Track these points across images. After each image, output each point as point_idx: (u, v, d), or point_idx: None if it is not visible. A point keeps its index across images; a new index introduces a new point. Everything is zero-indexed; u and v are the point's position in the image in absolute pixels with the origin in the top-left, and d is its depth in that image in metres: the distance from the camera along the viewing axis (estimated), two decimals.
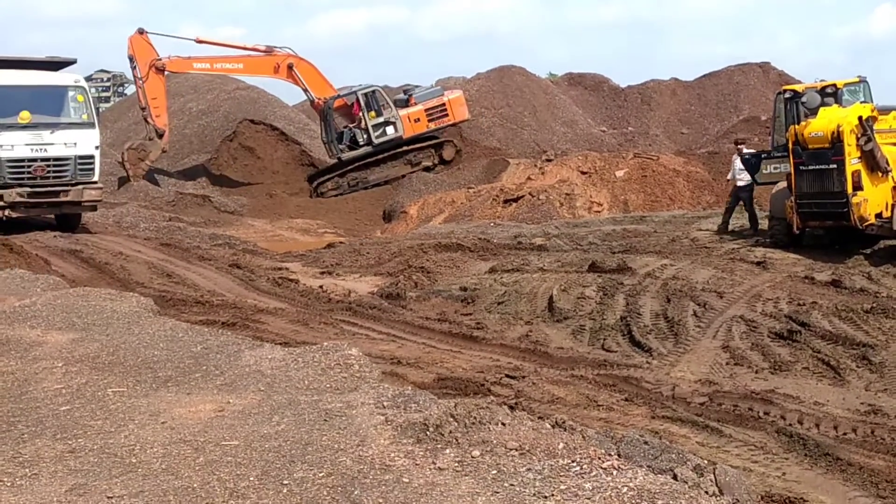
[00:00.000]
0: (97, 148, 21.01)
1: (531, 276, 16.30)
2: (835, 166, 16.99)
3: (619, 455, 5.92)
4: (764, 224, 20.32)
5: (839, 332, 12.59)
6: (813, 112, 18.57)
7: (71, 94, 20.88)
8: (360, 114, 35.60)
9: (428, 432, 6.12)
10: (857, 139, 16.91)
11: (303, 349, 8.71)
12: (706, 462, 6.10)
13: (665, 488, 5.17)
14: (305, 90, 35.89)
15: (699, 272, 16.14)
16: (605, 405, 9.94)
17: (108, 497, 5.37)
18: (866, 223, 17.05)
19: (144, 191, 33.18)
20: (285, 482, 5.49)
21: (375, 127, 35.53)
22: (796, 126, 17.94)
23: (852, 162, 16.92)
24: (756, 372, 11.29)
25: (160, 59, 34.12)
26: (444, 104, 36.76)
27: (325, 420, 6.54)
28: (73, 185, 20.46)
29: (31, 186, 20.13)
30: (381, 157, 35.74)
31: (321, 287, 16.40)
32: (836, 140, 16.87)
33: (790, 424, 9.43)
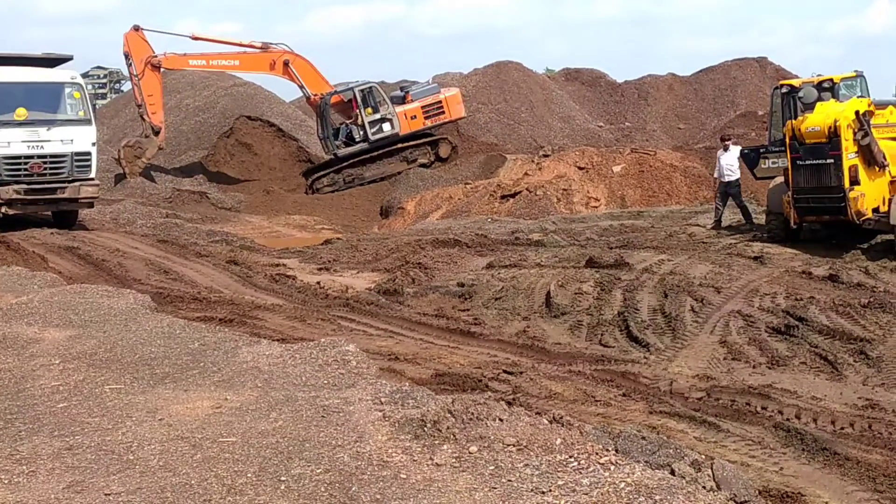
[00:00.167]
0: (94, 145, 20.98)
1: (528, 272, 16.30)
2: (832, 161, 16.98)
3: (616, 450, 5.93)
4: (760, 218, 20.32)
5: (836, 326, 12.59)
6: (810, 107, 18.55)
7: (67, 90, 20.86)
8: (357, 110, 35.58)
9: (425, 428, 6.12)
10: (854, 134, 16.91)
11: (300, 345, 8.72)
12: (704, 457, 6.11)
13: (663, 483, 5.17)
14: (301, 87, 35.87)
15: (696, 267, 16.15)
16: (602, 400, 9.94)
17: (106, 494, 5.36)
18: (863, 218, 17.06)
19: (141, 187, 33.15)
20: (283, 479, 5.49)
21: (372, 123, 35.50)
22: (793, 121, 17.93)
23: (849, 157, 16.91)
24: (754, 367, 11.30)
25: (156, 56, 34.08)
26: (440, 102, 36.75)
27: (323, 416, 6.54)
28: (69, 181, 20.45)
29: (28, 183, 20.11)
30: (377, 153, 35.73)
31: (318, 283, 16.39)
32: (833, 135, 16.86)
33: (788, 419, 9.44)
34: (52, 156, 20.27)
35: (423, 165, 35.95)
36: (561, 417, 6.52)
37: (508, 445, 5.85)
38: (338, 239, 23.91)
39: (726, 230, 20.56)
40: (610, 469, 5.42)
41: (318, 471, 5.58)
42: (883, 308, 13.32)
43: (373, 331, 12.99)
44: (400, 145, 35.98)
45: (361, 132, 35.58)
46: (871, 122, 17.31)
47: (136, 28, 34.19)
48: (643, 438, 6.21)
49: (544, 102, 47.27)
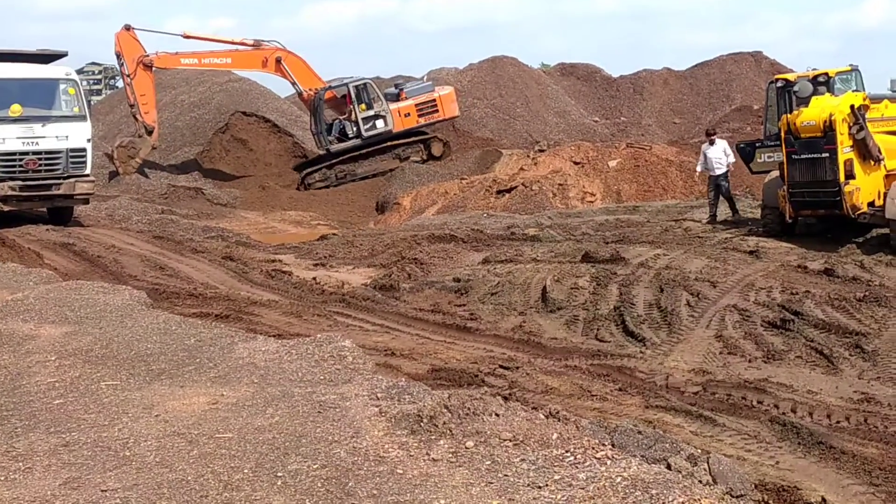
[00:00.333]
0: (89, 141, 20.96)
1: (524, 267, 16.30)
2: (827, 155, 16.99)
3: (612, 445, 5.94)
4: (756, 213, 20.35)
5: (832, 320, 12.61)
6: (805, 101, 18.57)
7: (62, 86, 20.84)
8: (351, 106, 35.56)
9: (422, 423, 6.12)
10: (850, 128, 16.92)
11: (296, 341, 8.71)
12: (700, 451, 6.12)
13: (659, 478, 5.18)
14: (294, 83, 35.86)
15: (692, 262, 16.15)
16: (598, 395, 9.95)
17: (103, 490, 5.36)
18: (859, 212, 17.07)
19: (137, 183, 33.13)
20: (279, 474, 5.49)
21: (365, 120, 35.48)
22: (788, 115, 17.94)
23: (844, 150, 16.92)
24: (749, 361, 11.31)
25: (147, 56, 34.06)
26: (434, 100, 36.73)
27: (319, 412, 6.54)
28: (65, 178, 20.43)
29: (23, 180, 20.10)
30: (369, 150, 35.71)
31: (314, 279, 16.39)
32: (829, 129, 16.87)
33: (783, 413, 9.46)
34: (47, 152, 20.24)
35: (415, 163, 35.94)
36: (557, 412, 6.52)
37: (505, 440, 5.85)
38: (334, 235, 23.92)
39: (721, 224, 20.58)
40: (606, 463, 5.42)
41: (315, 466, 5.58)
42: (878, 302, 13.34)
43: (369, 326, 12.99)
44: (393, 142, 35.97)
45: (355, 128, 35.56)
46: (867, 116, 17.32)
47: (128, 28, 34.16)
48: (639, 433, 6.22)
49: (539, 97, 47.24)
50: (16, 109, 20.01)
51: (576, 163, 30.35)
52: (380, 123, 35.66)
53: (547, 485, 5.18)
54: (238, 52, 35.68)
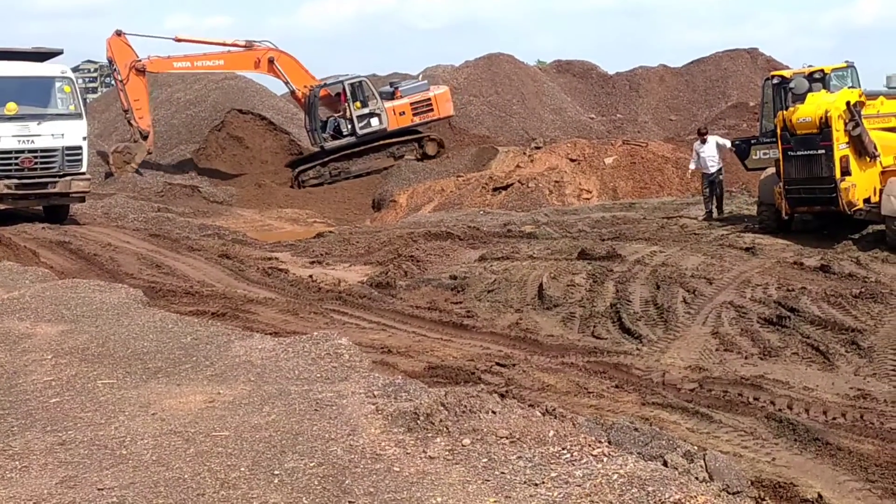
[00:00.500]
0: (85, 139, 20.94)
1: (521, 264, 16.30)
2: (823, 152, 17.01)
3: (609, 442, 5.94)
4: (752, 209, 20.36)
5: (828, 317, 12.62)
6: (801, 98, 18.60)
7: (58, 84, 20.80)
8: (346, 104, 35.56)
9: (418, 421, 6.12)
10: (845, 124, 16.94)
11: (293, 339, 8.70)
12: (696, 448, 6.13)
13: (655, 475, 5.18)
14: (287, 83, 35.88)
15: (688, 259, 16.17)
16: (595, 392, 9.96)
17: (99, 489, 5.36)
18: (855, 208, 17.09)
19: (133, 182, 33.08)
20: (276, 472, 5.48)
21: (360, 118, 35.50)
22: (784, 112, 17.95)
23: (840, 147, 16.94)
24: (746, 358, 11.32)
25: (140, 61, 34.07)
26: (429, 99, 36.78)
27: (316, 410, 6.54)
28: (60, 176, 20.40)
29: (19, 178, 20.06)
30: (364, 148, 35.71)
31: (311, 277, 16.38)
32: (825, 125, 16.89)
33: (780, 410, 9.46)
34: (42, 150, 20.21)
35: (411, 161, 35.93)
36: (554, 409, 6.53)
37: (501, 438, 5.86)
38: (330, 232, 23.90)
39: (718, 221, 20.60)
40: (603, 461, 5.43)
41: (312, 464, 5.58)
42: (874, 298, 13.35)
43: (365, 324, 12.99)
44: (387, 141, 35.98)
45: (349, 126, 35.58)
46: (862, 112, 17.34)
47: (119, 33, 34.16)
48: (636, 430, 6.22)
49: (536, 94, 47.26)
50: (11, 107, 19.97)
51: (572, 160, 30.34)
52: (374, 121, 35.68)
53: (543, 482, 5.18)
54: (230, 54, 35.68)
